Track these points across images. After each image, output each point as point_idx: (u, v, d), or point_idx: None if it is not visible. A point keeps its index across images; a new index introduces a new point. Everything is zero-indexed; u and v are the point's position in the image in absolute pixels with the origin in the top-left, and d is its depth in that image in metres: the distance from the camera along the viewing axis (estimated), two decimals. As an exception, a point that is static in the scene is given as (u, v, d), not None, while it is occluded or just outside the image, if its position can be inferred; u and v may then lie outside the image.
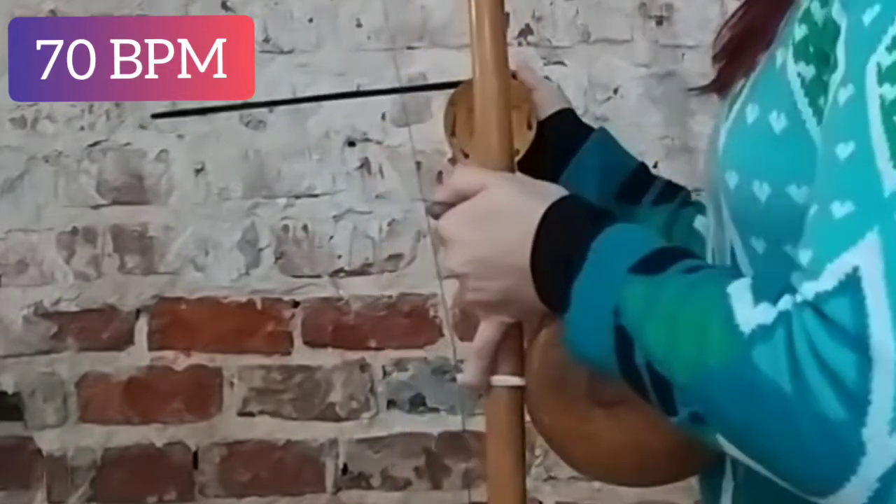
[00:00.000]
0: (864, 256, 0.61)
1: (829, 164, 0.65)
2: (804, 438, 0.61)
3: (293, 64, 1.89)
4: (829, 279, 0.62)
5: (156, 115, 1.57)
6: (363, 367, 1.92)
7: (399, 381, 1.91)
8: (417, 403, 1.91)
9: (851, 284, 0.61)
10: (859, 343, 0.60)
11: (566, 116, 1.14)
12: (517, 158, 1.07)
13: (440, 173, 1.85)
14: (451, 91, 1.14)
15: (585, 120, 1.67)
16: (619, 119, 1.87)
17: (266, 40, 1.89)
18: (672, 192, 1.10)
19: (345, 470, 1.93)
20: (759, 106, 0.75)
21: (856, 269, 0.61)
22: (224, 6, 1.88)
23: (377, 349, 1.91)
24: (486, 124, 0.87)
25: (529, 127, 1.11)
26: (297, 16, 1.89)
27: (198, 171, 1.90)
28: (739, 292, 0.66)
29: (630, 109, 1.88)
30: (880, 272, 0.60)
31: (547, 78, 1.87)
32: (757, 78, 0.77)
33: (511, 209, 0.80)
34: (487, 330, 0.86)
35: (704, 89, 0.88)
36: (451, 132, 1.12)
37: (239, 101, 1.41)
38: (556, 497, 1.92)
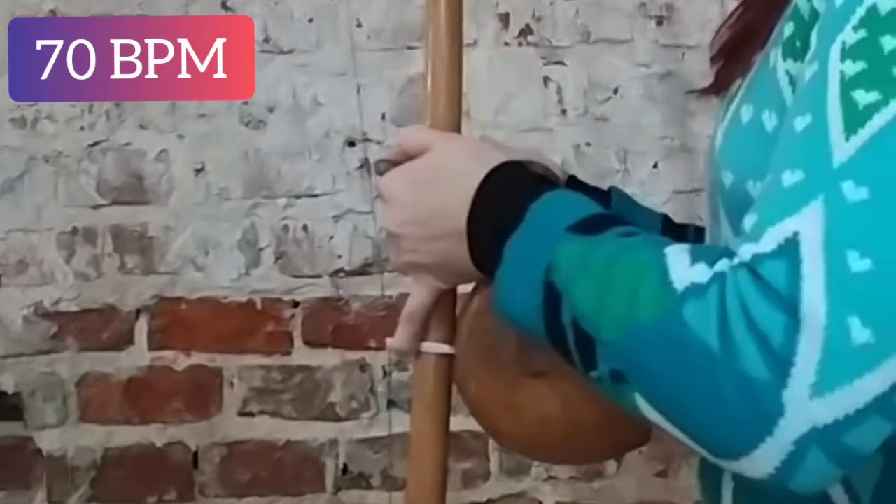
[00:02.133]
0: (806, 223, 0.61)
1: (788, 135, 0.66)
2: (724, 396, 0.61)
3: (293, 64, 1.89)
4: (768, 242, 0.62)
5: None
6: (363, 367, 1.92)
7: (399, 381, 1.91)
8: (417, 403, 1.91)
9: (790, 248, 0.61)
10: (790, 305, 0.60)
11: (575, 185, 1.12)
12: None
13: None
14: None
15: (585, 119, 1.67)
16: (619, 119, 1.88)
17: (266, 40, 1.89)
18: (703, 236, 1.09)
19: (345, 470, 1.93)
20: (754, 106, 0.75)
21: (796, 234, 0.61)
22: (224, 6, 1.88)
23: (377, 349, 1.91)
24: (435, 87, 0.87)
25: None
26: (297, 16, 1.89)
27: (198, 171, 1.90)
28: (676, 253, 0.67)
29: (630, 109, 1.88)
30: (819, 239, 0.61)
31: (547, 78, 1.88)
32: (752, 78, 0.77)
33: (452, 171, 0.80)
34: (420, 294, 0.85)
35: (703, 91, 0.88)
36: None
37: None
38: (555, 497, 1.92)
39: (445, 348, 0.87)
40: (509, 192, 0.77)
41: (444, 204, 0.80)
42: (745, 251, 0.63)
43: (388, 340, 0.88)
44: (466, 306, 0.86)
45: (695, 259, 0.65)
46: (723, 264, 0.64)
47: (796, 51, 0.71)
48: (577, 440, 0.83)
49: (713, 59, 0.87)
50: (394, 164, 0.84)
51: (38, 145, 1.89)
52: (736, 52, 0.82)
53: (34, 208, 1.90)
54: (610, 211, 0.77)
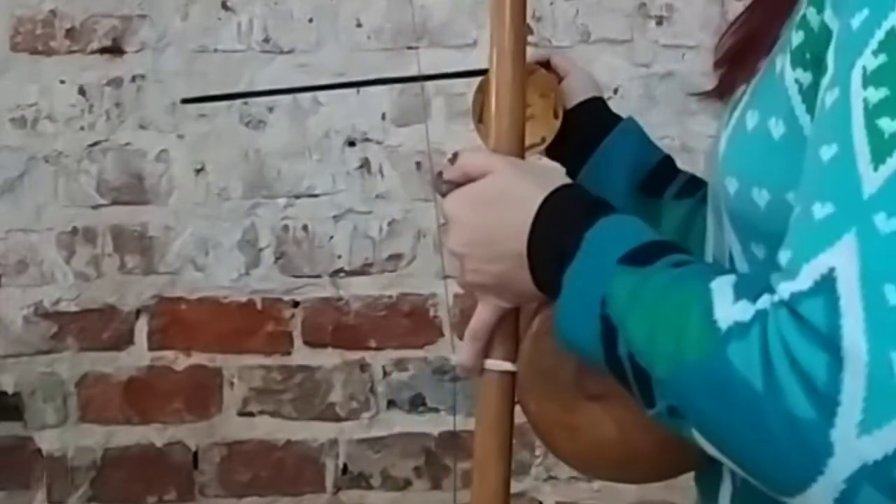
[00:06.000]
0: (841, 257, 0.61)
1: (814, 165, 0.66)
2: (773, 437, 0.62)
3: (293, 64, 1.89)
4: (805, 279, 0.62)
5: (186, 101, 1.59)
6: (363, 367, 1.92)
7: (399, 381, 1.91)
8: (417, 403, 1.91)
9: (826, 285, 0.61)
10: (831, 344, 0.60)
11: (594, 105, 1.14)
12: (543, 146, 1.08)
13: (440, 173, 1.85)
14: (480, 78, 1.13)
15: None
16: (619, 119, 1.87)
17: (266, 40, 1.89)
18: (695, 186, 1.10)
19: (345, 470, 1.93)
20: (759, 112, 0.75)
21: (831, 270, 0.61)
22: (224, 6, 1.88)
23: (377, 349, 1.91)
24: (499, 109, 0.88)
25: (556, 115, 1.11)
26: (297, 16, 1.89)
27: (198, 171, 1.90)
28: (721, 288, 0.67)
29: (630, 109, 1.86)
30: (855, 274, 0.60)
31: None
32: (757, 84, 0.77)
33: (513, 195, 0.82)
34: (484, 312, 0.87)
35: (706, 95, 0.88)
36: (479, 118, 1.11)
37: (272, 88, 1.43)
38: (556, 497, 1.92)
39: (508, 366, 0.88)
40: (567, 218, 0.79)
41: (505, 226, 0.81)
42: (784, 290, 0.63)
43: (454, 357, 0.90)
44: (528, 327, 0.88)
45: (738, 295, 0.66)
46: (764, 301, 0.64)
47: (806, 61, 0.71)
48: (632, 463, 0.84)
49: (717, 65, 0.87)
50: (456, 185, 0.85)
51: (38, 145, 1.89)
52: (740, 58, 0.82)
53: (34, 208, 1.90)
54: (661, 237, 0.77)
